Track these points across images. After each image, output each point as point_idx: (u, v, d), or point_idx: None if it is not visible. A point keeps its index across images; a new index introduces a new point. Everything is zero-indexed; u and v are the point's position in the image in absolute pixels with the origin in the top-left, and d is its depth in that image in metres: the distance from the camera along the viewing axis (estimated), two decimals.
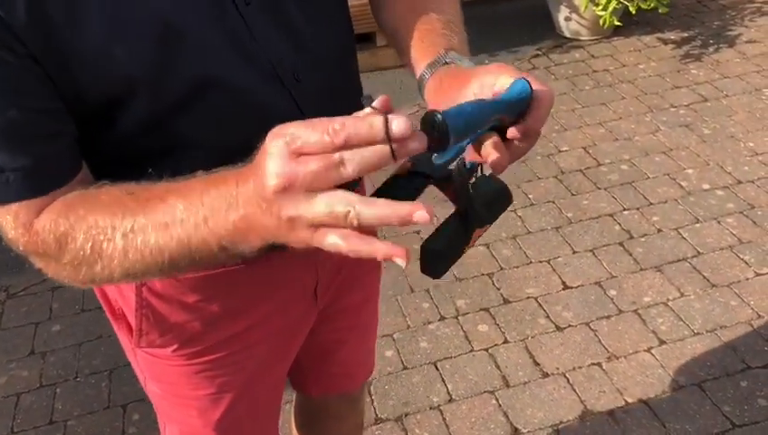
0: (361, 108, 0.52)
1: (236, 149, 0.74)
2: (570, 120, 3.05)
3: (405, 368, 2.00)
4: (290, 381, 1.28)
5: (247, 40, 0.72)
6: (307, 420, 1.41)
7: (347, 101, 0.87)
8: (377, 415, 1.88)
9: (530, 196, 2.60)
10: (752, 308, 2.12)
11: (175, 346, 0.90)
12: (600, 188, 2.64)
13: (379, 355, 2.01)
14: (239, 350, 0.95)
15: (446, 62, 0.74)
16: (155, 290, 0.85)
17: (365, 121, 0.49)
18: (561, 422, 1.83)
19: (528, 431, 1.81)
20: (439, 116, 0.55)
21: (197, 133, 0.73)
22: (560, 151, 2.85)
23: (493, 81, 0.66)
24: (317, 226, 0.52)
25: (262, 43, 0.73)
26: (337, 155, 0.50)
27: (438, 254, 0.63)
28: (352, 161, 0.50)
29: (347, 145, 0.49)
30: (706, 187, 2.62)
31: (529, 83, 0.64)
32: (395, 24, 0.86)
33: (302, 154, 0.50)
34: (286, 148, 0.50)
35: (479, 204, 0.66)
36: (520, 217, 2.52)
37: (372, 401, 1.91)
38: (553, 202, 2.58)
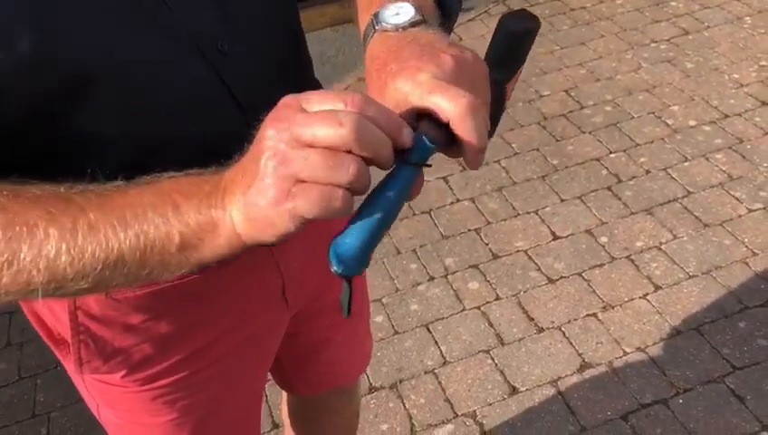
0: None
1: (159, 138, 0.64)
2: (549, 62, 2.94)
3: (396, 333, 1.95)
4: (276, 381, 1.20)
5: (162, 10, 0.61)
6: (300, 416, 1.32)
7: (287, 74, 0.76)
8: (370, 384, 1.82)
9: (513, 145, 2.52)
10: (746, 246, 2.07)
11: (123, 372, 0.79)
12: (584, 132, 2.56)
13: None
14: (200, 369, 0.84)
15: (375, 29, 0.61)
16: (92, 313, 0.74)
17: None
18: (559, 377, 1.79)
19: (526, 389, 1.77)
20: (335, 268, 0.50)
21: (104, 125, 0.62)
22: (541, 96, 2.76)
23: (404, 95, 0.54)
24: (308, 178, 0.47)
25: (178, 13, 0.62)
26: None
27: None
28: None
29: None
30: (693, 123, 2.55)
31: (431, 141, 0.52)
32: None
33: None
34: (296, 101, 0.49)
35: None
36: (504, 167, 2.44)
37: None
38: (538, 150, 2.50)
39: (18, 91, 0.56)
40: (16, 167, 0.57)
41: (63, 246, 0.51)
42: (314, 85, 0.84)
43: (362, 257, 0.50)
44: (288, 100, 0.49)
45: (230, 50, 0.66)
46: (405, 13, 0.61)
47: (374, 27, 0.61)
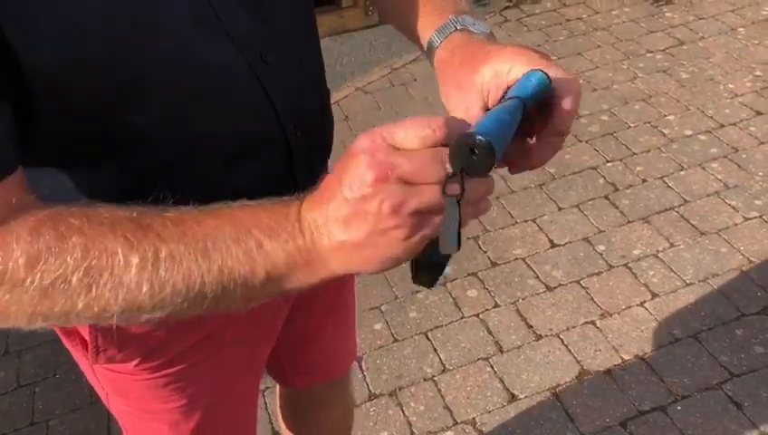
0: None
1: (200, 138, 0.67)
2: None
3: (395, 340, 1.95)
4: (271, 375, 1.21)
5: (212, 18, 0.63)
6: (294, 410, 1.34)
7: (314, 82, 0.82)
8: (370, 391, 1.83)
9: None
10: (742, 254, 2.09)
11: (137, 360, 0.81)
12: (581, 141, 2.58)
13: (368, 329, 1.96)
14: (210, 355, 0.86)
15: (458, 28, 0.66)
16: None
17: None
18: (558, 385, 1.80)
19: (525, 396, 1.78)
20: (481, 138, 0.47)
21: (151, 124, 0.64)
22: None
23: (506, 68, 0.58)
24: (425, 211, 0.49)
25: (227, 23, 0.65)
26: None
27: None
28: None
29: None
30: (689, 132, 2.57)
31: (546, 75, 0.56)
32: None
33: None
34: (383, 141, 0.49)
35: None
36: (502, 176, 2.46)
37: (365, 376, 1.86)
38: None
39: (82, 88, 0.57)
40: (58, 159, 0.59)
41: (145, 277, 0.52)
42: (326, 90, 0.89)
43: (499, 140, 0.49)
44: (373, 141, 0.49)
45: (271, 60, 0.69)
46: (482, 25, 0.67)
47: (456, 27, 0.66)
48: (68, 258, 0.51)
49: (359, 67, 3.13)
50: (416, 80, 3.04)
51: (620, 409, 1.72)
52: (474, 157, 0.47)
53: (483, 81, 0.60)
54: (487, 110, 0.60)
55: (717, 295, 1.98)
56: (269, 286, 0.54)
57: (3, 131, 0.53)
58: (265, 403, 1.81)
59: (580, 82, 2.84)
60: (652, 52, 3.03)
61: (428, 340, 1.94)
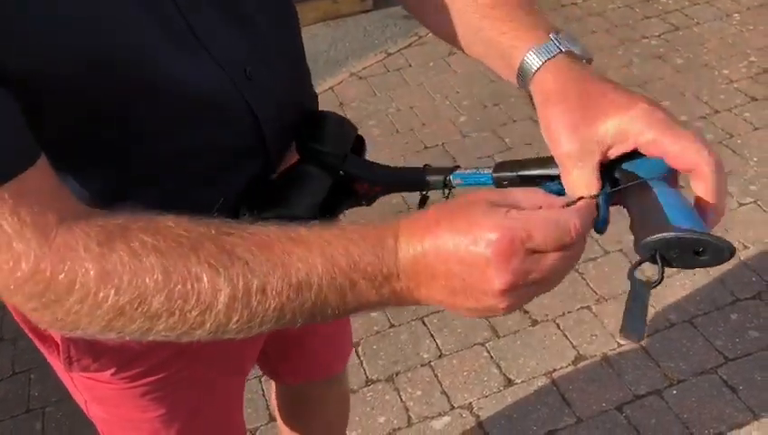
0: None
1: (179, 157, 0.66)
2: None
3: (392, 326, 1.95)
4: (264, 373, 1.21)
5: (190, 38, 0.62)
6: (289, 405, 1.33)
7: (297, 90, 0.80)
8: (367, 376, 1.83)
9: (506, 140, 2.53)
10: (737, 239, 2.09)
11: (113, 369, 0.78)
12: None
13: (364, 315, 1.96)
14: (188, 364, 0.83)
15: (562, 50, 0.59)
16: None
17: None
18: (554, 369, 1.80)
19: (522, 381, 1.78)
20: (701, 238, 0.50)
21: (128, 140, 0.62)
22: None
23: (637, 131, 0.53)
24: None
25: (206, 41, 0.63)
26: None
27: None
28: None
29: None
30: (684, 118, 2.57)
31: (668, 167, 0.54)
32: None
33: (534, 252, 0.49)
34: (521, 246, 0.49)
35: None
36: None
37: (361, 362, 1.86)
38: (531, 145, 2.51)
39: (55, 104, 0.56)
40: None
41: (236, 307, 0.50)
42: (313, 95, 0.86)
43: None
44: (512, 243, 0.48)
45: (255, 74, 0.68)
46: (581, 46, 0.61)
47: (560, 48, 0.60)
48: (147, 279, 0.49)
49: (353, 53, 3.12)
50: (411, 65, 3.02)
51: (616, 393, 1.73)
52: (699, 257, 0.50)
53: (607, 133, 0.55)
54: (603, 164, 0.56)
55: (712, 280, 1.98)
56: (354, 313, 0.55)
57: (19, 120, 0.51)
58: (262, 389, 1.82)
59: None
60: (647, 37, 3.03)
61: (425, 325, 1.94)
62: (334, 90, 2.90)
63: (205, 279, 0.49)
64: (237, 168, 0.72)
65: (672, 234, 0.50)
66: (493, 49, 0.65)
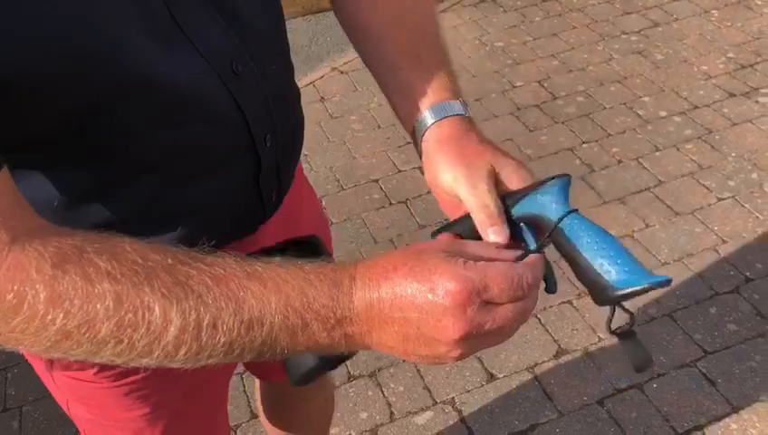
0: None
1: (166, 154, 0.65)
2: (522, 53, 2.97)
3: None
4: (248, 370, 1.20)
5: (175, 33, 0.61)
6: (273, 403, 1.32)
7: (283, 87, 0.79)
8: (349, 372, 1.82)
9: (488, 135, 2.53)
10: (716, 234, 2.12)
11: (96, 368, 0.77)
12: (557, 123, 2.59)
13: None
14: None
15: (449, 115, 0.68)
16: None
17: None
18: (536, 363, 1.81)
19: (504, 376, 1.79)
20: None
21: (112, 137, 0.61)
22: (514, 87, 2.77)
23: (514, 178, 0.63)
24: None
25: (192, 35, 0.62)
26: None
27: None
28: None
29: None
30: (663, 114, 2.59)
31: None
32: (379, 30, 0.75)
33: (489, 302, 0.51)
34: (478, 298, 0.50)
35: None
36: None
37: None
38: (512, 140, 2.52)
39: (39, 101, 0.55)
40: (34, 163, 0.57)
41: (185, 339, 0.50)
42: (296, 91, 0.86)
43: (638, 265, 0.56)
44: (469, 296, 0.50)
45: (242, 71, 0.67)
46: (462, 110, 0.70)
47: (452, 112, 0.68)
48: (98, 305, 0.48)
49: (334, 47, 3.10)
50: None
51: (597, 387, 1.74)
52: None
53: (484, 177, 0.63)
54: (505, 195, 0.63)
55: (692, 275, 2.00)
56: (302, 353, 0.55)
57: None
58: (244, 386, 1.80)
59: (556, 63, 2.86)
60: (627, 33, 3.04)
61: None
62: (315, 84, 2.88)
63: (157, 310, 0.49)
64: (227, 167, 0.71)
65: (623, 292, 0.55)
66: (394, 81, 0.73)
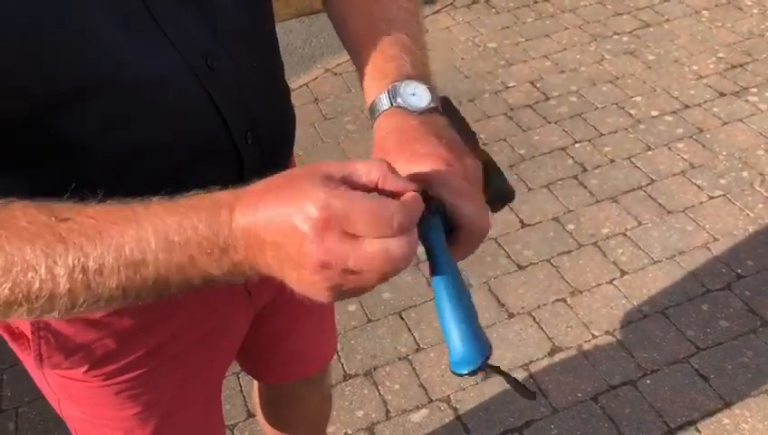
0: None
1: (142, 147, 0.64)
2: (515, 54, 2.98)
3: (369, 320, 1.96)
4: (245, 371, 1.21)
5: (148, 22, 0.60)
6: (271, 403, 1.32)
7: (267, 86, 0.78)
8: (345, 371, 1.83)
9: (481, 135, 2.55)
10: (707, 232, 2.14)
11: (86, 367, 0.78)
12: (550, 122, 2.60)
13: (342, 310, 1.96)
14: (163, 362, 0.83)
15: (393, 104, 0.63)
16: None
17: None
18: (530, 361, 1.82)
19: None
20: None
21: (90, 131, 0.61)
22: (507, 87, 2.79)
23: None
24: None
25: (165, 26, 0.62)
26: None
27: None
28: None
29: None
30: (655, 113, 2.61)
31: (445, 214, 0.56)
32: (345, 13, 0.74)
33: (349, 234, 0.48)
34: (338, 226, 0.47)
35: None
36: None
37: (339, 357, 1.86)
38: (505, 140, 2.54)
39: (19, 91, 0.55)
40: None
41: (79, 290, 0.51)
42: (284, 88, 0.85)
43: (473, 344, 0.53)
44: (327, 221, 0.47)
45: (218, 66, 0.66)
46: (420, 96, 0.63)
47: (392, 102, 0.63)
48: None
49: (328, 48, 3.11)
50: None
51: (591, 383, 1.76)
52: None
53: (417, 171, 0.58)
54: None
55: (684, 272, 2.02)
56: (208, 287, 0.54)
57: None
58: (240, 385, 1.81)
59: (549, 64, 2.88)
60: (619, 34, 3.07)
61: (402, 320, 1.95)
62: (309, 86, 2.89)
63: (42, 269, 0.50)
64: (206, 165, 0.70)
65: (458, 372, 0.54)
66: (358, 62, 0.70)
